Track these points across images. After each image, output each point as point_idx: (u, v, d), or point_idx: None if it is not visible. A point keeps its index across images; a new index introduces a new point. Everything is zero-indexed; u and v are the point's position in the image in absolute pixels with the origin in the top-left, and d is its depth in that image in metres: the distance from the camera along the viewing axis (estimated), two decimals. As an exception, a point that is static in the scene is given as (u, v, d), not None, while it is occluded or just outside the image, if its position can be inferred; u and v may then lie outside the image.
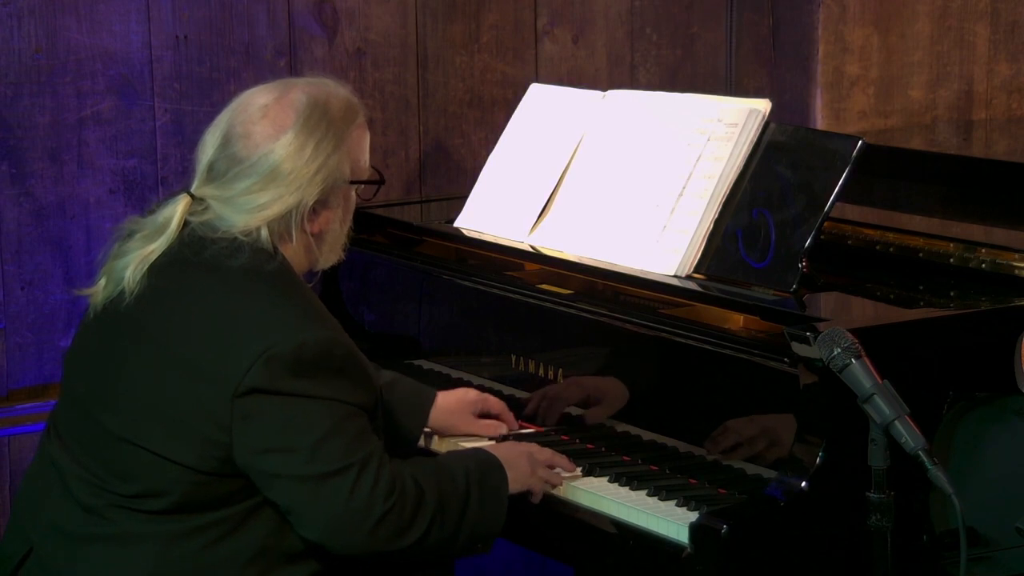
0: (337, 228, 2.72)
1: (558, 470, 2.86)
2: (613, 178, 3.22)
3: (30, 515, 2.72)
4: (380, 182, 2.77)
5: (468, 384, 3.26)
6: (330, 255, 2.74)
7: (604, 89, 3.38)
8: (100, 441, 2.62)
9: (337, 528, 2.56)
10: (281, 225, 2.64)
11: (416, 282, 3.43)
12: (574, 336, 3.05)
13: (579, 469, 2.88)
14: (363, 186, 2.75)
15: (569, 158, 3.32)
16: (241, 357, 2.52)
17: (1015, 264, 2.97)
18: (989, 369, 2.73)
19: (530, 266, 3.28)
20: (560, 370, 3.06)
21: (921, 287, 3.02)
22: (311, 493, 2.54)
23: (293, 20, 3.83)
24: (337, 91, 2.72)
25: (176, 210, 2.66)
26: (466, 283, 3.27)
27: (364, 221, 3.58)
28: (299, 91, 2.68)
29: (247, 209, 2.62)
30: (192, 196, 2.67)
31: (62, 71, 3.57)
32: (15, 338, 3.60)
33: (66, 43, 3.57)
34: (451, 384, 3.29)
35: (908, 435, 2.40)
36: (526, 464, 2.81)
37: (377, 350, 3.35)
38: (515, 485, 2.76)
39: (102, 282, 2.68)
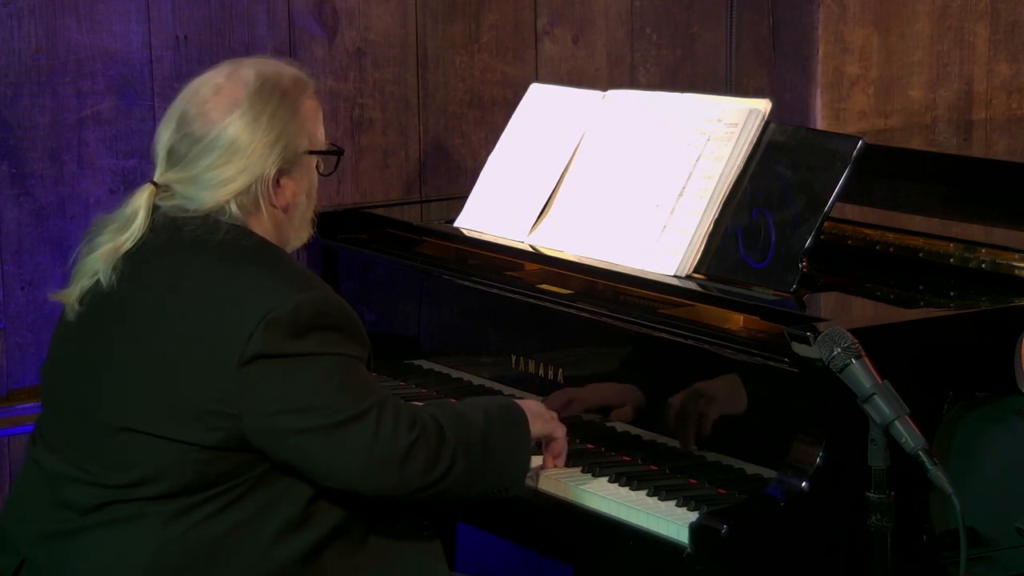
0: (303, 202, 2.74)
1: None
2: (613, 178, 3.22)
3: (19, 528, 2.70)
4: (339, 152, 2.79)
5: (468, 384, 3.26)
6: (300, 232, 2.76)
7: (604, 89, 3.38)
8: (97, 438, 2.61)
9: (368, 471, 2.57)
10: (248, 199, 2.66)
11: (416, 282, 3.43)
12: (574, 336, 3.05)
13: (577, 468, 2.88)
14: (323, 158, 2.77)
15: (569, 158, 3.32)
16: (240, 326, 2.53)
17: (1015, 264, 2.96)
18: (989, 369, 2.72)
19: (530, 266, 3.28)
20: (560, 370, 3.06)
21: (921, 287, 3.02)
22: (335, 442, 2.55)
23: (293, 20, 3.83)
24: (285, 67, 2.76)
25: (141, 199, 2.68)
26: (466, 283, 3.27)
27: (364, 221, 3.59)
28: (248, 68, 2.72)
29: (212, 185, 2.65)
30: (156, 185, 2.69)
31: (62, 71, 3.57)
32: (15, 338, 3.60)
33: (66, 43, 3.57)
34: (451, 383, 3.29)
35: (908, 435, 2.40)
36: (546, 412, 2.85)
37: (377, 350, 3.33)
38: (537, 425, 2.80)
39: (75, 280, 2.68)
